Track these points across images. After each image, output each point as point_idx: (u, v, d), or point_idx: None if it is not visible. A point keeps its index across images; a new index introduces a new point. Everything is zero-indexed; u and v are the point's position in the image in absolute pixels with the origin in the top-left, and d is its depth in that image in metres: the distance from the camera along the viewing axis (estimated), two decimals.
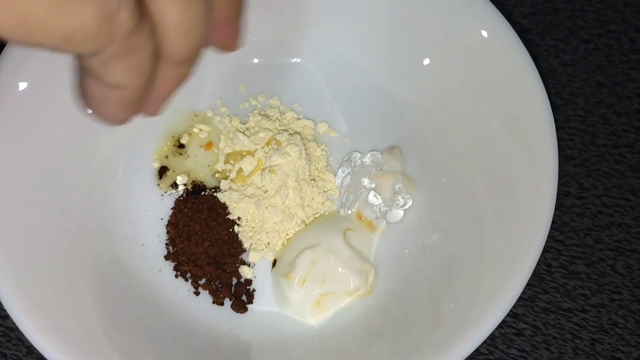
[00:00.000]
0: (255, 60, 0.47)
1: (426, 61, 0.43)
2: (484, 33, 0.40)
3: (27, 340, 0.40)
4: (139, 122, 0.43)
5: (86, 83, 0.22)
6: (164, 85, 0.23)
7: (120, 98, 0.22)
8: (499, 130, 0.39)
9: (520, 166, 0.37)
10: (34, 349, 0.40)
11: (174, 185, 0.43)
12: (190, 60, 0.23)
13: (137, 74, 0.21)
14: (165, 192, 0.43)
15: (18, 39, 0.19)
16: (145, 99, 0.23)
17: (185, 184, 0.43)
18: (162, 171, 0.44)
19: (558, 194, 0.45)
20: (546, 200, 0.35)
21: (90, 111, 0.23)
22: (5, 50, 0.37)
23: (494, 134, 0.40)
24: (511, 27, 0.40)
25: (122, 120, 0.24)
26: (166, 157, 0.44)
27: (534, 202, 0.35)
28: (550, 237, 0.44)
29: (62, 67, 0.38)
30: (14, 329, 0.41)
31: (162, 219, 0.43)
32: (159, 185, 0.43)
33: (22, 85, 0.37)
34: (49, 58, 0.37)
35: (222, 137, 0.44)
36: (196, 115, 0.45)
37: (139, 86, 0.22)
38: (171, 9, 0.21)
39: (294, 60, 0.46)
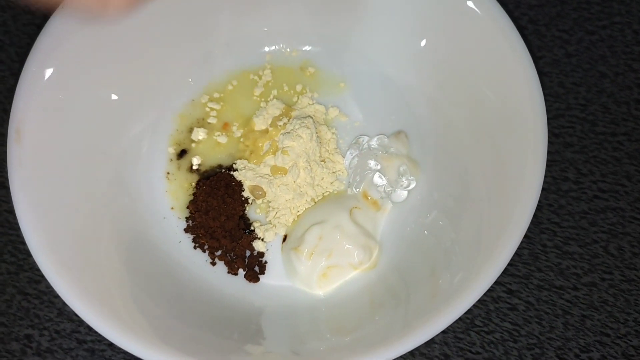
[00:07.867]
0: (266, 49, 0.49)
1: (423, 42, 0.46)
2: (470, 4, 0.42)
3: (58, 303, 0.44)
4: (163, 102, 0.47)
5: None
6: None
7: None
8: (493, 104, 0.42)
9: (511, 148, 0.40)
10: (64, 310, 0.44)
11: (191, 169, 0.46)
12: None
13: None
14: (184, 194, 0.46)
15: None
16: None
17: (199, 165, 0.46)
18: (182, 154, 0.47)
19: (556, 178, 0.47)
20: (533, 184, 0.37)
21: None
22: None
23: (488, 110, 0.42)
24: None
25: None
26: (184, 140, 0.47)
27: (521, 187, 0.38)
28: (547, 219, 0.46)
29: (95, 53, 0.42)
30: (46, 292, 0.44)
31: None
32: (168, 174, 0.46)
33: (60, 68, 0.40)
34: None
35: (237, 119, 0.47)
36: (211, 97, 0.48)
37: None
38: None
39: (305, 48, 0.49)
